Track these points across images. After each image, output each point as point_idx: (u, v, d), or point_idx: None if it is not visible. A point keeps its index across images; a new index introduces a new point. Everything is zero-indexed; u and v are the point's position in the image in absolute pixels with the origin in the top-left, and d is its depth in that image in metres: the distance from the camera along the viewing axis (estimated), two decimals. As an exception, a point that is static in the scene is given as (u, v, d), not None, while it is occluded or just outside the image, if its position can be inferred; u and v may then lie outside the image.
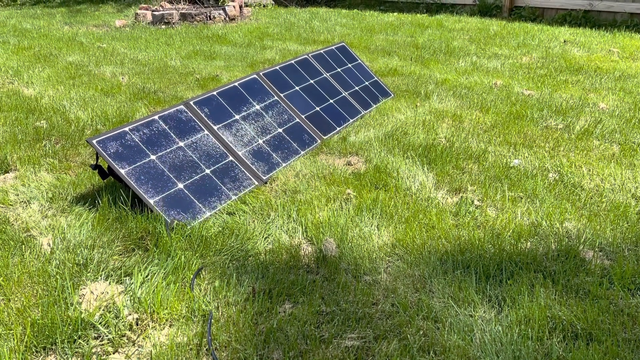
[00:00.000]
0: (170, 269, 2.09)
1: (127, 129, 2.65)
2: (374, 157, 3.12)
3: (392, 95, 4.36)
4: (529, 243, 2.27)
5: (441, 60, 5.66)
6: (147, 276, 2.04)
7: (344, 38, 6.92)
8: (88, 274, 2.06)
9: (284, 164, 3.05)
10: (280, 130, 3.26)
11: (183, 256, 2.15)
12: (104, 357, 1.71)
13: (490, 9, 8.79)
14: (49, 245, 2.26)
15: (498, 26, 7.55)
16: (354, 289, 1.99)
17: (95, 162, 2.60)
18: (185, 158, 2.71)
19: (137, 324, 1.84)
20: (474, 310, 1.87)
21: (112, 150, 2.52)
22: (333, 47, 4.31)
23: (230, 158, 2.88)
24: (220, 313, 1.88)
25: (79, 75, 5.18)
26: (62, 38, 7.09)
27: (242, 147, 2.98)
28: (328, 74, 3.99)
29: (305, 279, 2.05)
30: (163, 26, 8.08)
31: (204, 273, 2.11)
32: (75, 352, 1.72)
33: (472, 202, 2.62)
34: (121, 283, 2.04)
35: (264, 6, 10.18)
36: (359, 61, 4.42)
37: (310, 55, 4.03)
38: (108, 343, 1.76)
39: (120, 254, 2.23)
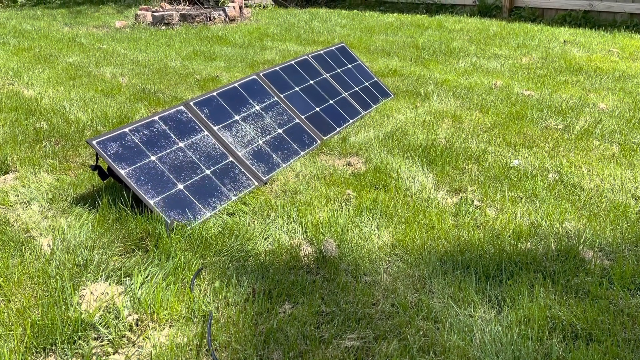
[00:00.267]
0: (170, 269, 2.09)
1: (127, 129, 2.65)
2: (373, 158, 3.12)
3: (392, 95, 4.36)
4: (528, 243, 2.27)
5: (441, 61, 5.66)
6: (147, 277, 2.04)
7: (343, 39, 6.92)
8: (88, 275, 2.06)
9: (284, 165, 3.05)
10: (280, 130, 3.26)
11: (183, 257, 2.15)
12: (104, 357, 1.71)
13: (490, 10, 8.79)
14: (49, 246, 2.27)
15: (498, 27, 7.55)
16: (353, 290, 1.99)
17: (95, 163, 2.60)
18: (185, 159, 2.72)
19: (137, 325, 1.84)
20: (473, 311, 1.88)
21: (112, 151, 2.52)
22: (333, 48, 4.31)
23: (230, 159, 2.88)
24: (220, 313, 1.89)
25: (79, 76, 5.19)
26: (62, 39, 7.10)
27: (242, 148, 2.98)
28: (328, 75, 3.99)
29: (305, 280, 2.05)
30: (163, 27, 8.08)
31: (204, 274, 2.12)
32: (75, 353, 1.72)
33: (472, 202, 2.62)
34: (121, 284, 2.04)
35: (263, 7, 10.19)
36: (359, 62, 4.42)
37: (310, 56, 4.04)
38: (108, 344, 1.76)
39: (120, 255, 2.23)
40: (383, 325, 1.81)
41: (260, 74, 3.53)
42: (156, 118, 2.80)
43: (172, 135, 2.78)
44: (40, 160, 3.14)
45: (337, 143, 3.36)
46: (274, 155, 3.07)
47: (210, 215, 2.52)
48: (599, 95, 4.35)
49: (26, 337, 1.73)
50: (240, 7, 8.96)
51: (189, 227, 2.37)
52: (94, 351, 1.73)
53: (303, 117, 3.47)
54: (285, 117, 3.37)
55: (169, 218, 2.41)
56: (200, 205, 2.54)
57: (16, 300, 1.92)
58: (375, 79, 4.39)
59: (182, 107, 2.95)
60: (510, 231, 2.34)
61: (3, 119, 3.86)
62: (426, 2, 9.57)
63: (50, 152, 3.26)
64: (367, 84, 4.24)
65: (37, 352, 1.72)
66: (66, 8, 10.37)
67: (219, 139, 2.94)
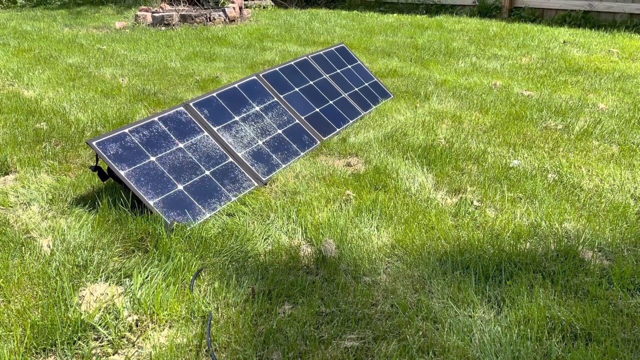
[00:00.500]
0: (170, 270, 2.09)
1: (126, 130, 2.66)
2: (373, 158, 3.13)
3: (392, 96, 4.36)
4: (528, 243, 2.27)
5: (441, 61, 5.66)
6: (146, 277, 2.05)
7: (343, 39, 6.93)
8: (88, 276, 2.07)
9: (283, 165, 3.05)
10: (279, 131, 3.26)
11: (183, 257, 2.16)
12: (104, 358, 1.71)
13: (489, 10, 8.79)
14: (49, 247, 2.27)
15: (498, 27, 7.55)
16: (353, 290, 2.00)
17: (95, 164, 2.60)
18: (185, 159, 2.72)
19: (136, 325, 1.84)
20: (473, 311, 1.88)
21: (111, 152, 2.52)
22: (333, 49, 4.32)
23: (230, 159, 2.88)
24: (219, 314, 1.89)
25: (79, 77, 5.19)
26: (62, 40, 7.10)
27: (241, 149, 2.98)
28: (328, 75, 4.00)
29: (304, 280, 2.06)
30: (163, 28, 8.09)
31: (203, 274, 2.12)
32: (75, 354, 1.72)
33: (472, 202, 2.62)
34: (121, 284, 2.05)
35: (263, 7, 10.19)
36: (359, 62, 4.42)
37: (309, 56, 4.04)
38: (108, 344, 1.76)
39: (120, 256, 2.23)
40: (382, 326, 1.81)
41: (260, 75, 3.53)
42: (156, 119, 2.81)
43: (172, 136, 2.78)
44: (40, 161, 3.14)
45: (336, 143, 3.36)
46: (273, 156, 3.07)
47: (210, 216, 2.53)
48: (598, 95, 4.35)
49: (26, 338, 1.73)
50: (240, 8, 8.96)
51: (188, 228, 2.37)
52: (93, 352, 1.73)
53: (303, 117, 3.47)
54: (285, 118, 3.37)
55: (169, 219, 2.41)
56: (200, 206, 2.55)
57: (16, 301, 1.92)
58: (375, 79, 4.39)
59: (182, 108, 2.95)
60: (510, 231, 2.34)
61: (3, 119, 3.87)
62: (426, 3, 9.58)
63: (50, 153, 3.27)
64: (366, 84, 4.24)
65: (37, 353, 1.72)
66: (66, 9, 10.38)
67: (218, 139, 2.94)
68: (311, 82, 3.81)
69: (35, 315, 1.83)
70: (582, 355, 1.66)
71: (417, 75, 5.07)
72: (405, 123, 3.72)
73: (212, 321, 1.84)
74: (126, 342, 1.78)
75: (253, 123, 3.18)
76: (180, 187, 2.58)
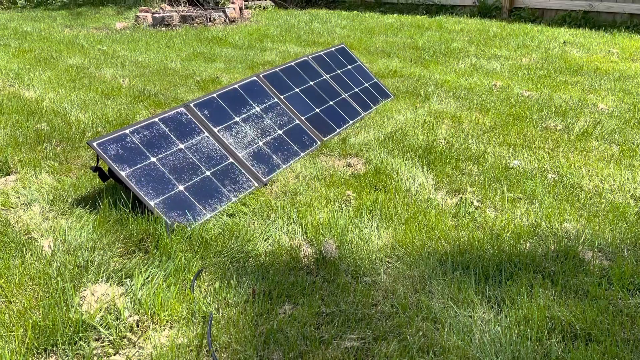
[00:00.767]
0: (170, 270, 2.10)
1: (127, 131, 2.66)
2: (373, 159, 3.13)
3: (392, 96, 4.37)
4: (528, 244, 2.27)
5: (441, 62, 5.67)
6: (147, 278, 2.05)
7: (343, 40, 6.93)
8: (89, 276, 2.07)
9: (284, 166, 3.06)
10: (280, 132, 3.26)
11: (183, 258, 2.16)
12: (105, 358, 1.72)
13: (489, 10, 8.80)
14: (50, 248, 2.27)
15: (498, 27, 7.56)
16: (353, 290, 2.00)
17: (95, 165, 2.61)
18: (186, 160, 2.72)
19: (137, 326, 1.84)
20: (473, 311, 1.88)
21: (112, 153, 2.53)
22: (333, 49, 4.32)
23: (231, 160, 2.89)
24: (220, 314, 1.89)
25: (79, 77, 5.20)
26: (62, 41, 7.11)
27: (242, 149, 2.98)
28: (328, 76, 4.00)
29: (305, 280, 2.06)
30: (163, 28, 8.10)
31: (204, 274, 2.12)
32: (76, 354, 1.73)
33: (472, 203, 2.62)
34: (122, 285, 2.05)
35: (264, 8, 10.20)
36: (359, 63, 4.43)
37: (310, 57, 4.05)
38: (109, 345, 1.77)
39: (121, 256, 2.23)
40: (383, 326, 1.82)
41: (261, 75, 3.54)
42: (156, 119, 2.81)
43: (172, 136, 2.78)
44: (41, 161, 3.15)
45: (337, 144, 3.37)
46: (274, 157, 3.07)
47: (211, 217, 2.53)
48: (598, 95, 4.36)
49: (27, 338, 1.74)
50: (240, 9, 8.97)
51: (189, 228, 2.37)
52: (94, 352, 1.73)
53: (303, 118, 3.48)
54: (285, 118, 3.38)
55: (170, 219, 2.42)
56: (200, 207, 2.55)
57: (17, 301, 1.92)
58: (375, 80, 4.40)
59: (182, 109, 2.95)
60: (510, 232, 2.34)
61: (4, 120, 3.87)
62: (426, 3, 9.58)
63: (51, 154, 3.27)
64: (367, 85, 4.25)
65: (38, 353, 1.73)
66: (66, 10, 10.39)
67: (219, 140, 2.94)
68: (311, 83, 3.81)
69: (37, 316, 1.84)
70: (582, 355, 1.66)
71: (417, 76, 5.07)
72: (405, 123, 3.73)
73: (212, 321, 1.84)
74: (127, 343, 1.78)
75: (253, 124, 3.19)
76: (180, 187, 2.59)
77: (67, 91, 4.69)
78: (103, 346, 1.76)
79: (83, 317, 1.82)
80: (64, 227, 2.41)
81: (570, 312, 1.85)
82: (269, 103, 3.39)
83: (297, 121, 3.42)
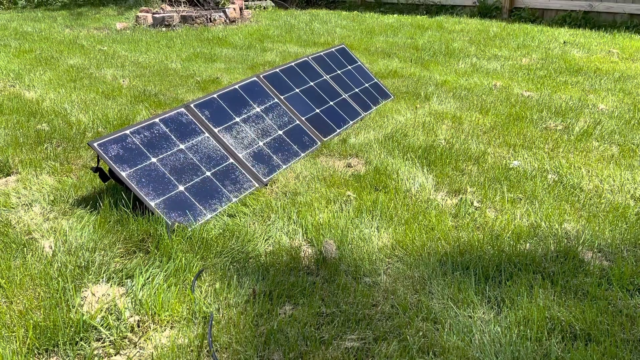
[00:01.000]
0: (171, 271, 2.10)
1: (128, 131, 2.67)
2: (373, 159, 3.13)
3: (392, 97, 4.37)
4: (528, 244, 2.28)
5: (441, 62, 5.67)
6: (148, 278, 2.06)
7: (344, 40, 6.94)
8: (90, 276, 2.08)
9: (284, 166, 3.06)
10: (280, 132, 3.27)
11: (184, 258, 2.17)
12: (106, 358, 1.72)
13: (490, 10, 8.80)
14: (51, 248, 2.28)
15: (498, 27, 7.56)
16: (353, 291, 2.00)
17: (96, 165, 2.61)
18: (186, 160, 2.73)
19: (138, 326, 1.85)
20: (473, 312, 1.88)
21: (113, 153, 2.53)
22: (333, 49, 4.33)
23: (231, 160, 2.89)
24: (221, 315, 1.90)
25: (80, 78, 5.20)
26: (63, 41, 7.12)
27: (242, 150, 2.99)
28: (328, 76, 4.01)
29: (305, 281, 2.06)
30: (164, 29, 8.10)
31: (204, 275, 2.13)
32: (77, 354, 1.73)
33: (472, 203, 2.63)
34: (122, 285, 2.06)
35: (264, 8, 10.20)
36: (359, 63, 4.43)
37: (310, 57, 4.05)
38: (109, 345, 1.77)
39: (122, 256, 2.24)
40: (383, 326, 1.82)
41: (261, 76, 3.54)
42: (157, 120, 2.82)
43: (172, 137, 2.79)
44: (41, 162, 3.15)
45: (337, 144, 3.37)
46: (274, 157, 3.08)
47: (211, 217, 2.54)
48: (598, 96, 4.36)
49: (28, 339, 1.74)
50: (241, 9, 8.98)
51: (189, 229, 2.38)
52: (95, 352, 1.74)
53: (303, 118, 3.48)
54: (286, 119, 3.38)
55: (170, 220, 2.42)
56: (201, 207, 2.56)
57: (18, 301, 1.93)
58: (375, 80, 4.40)
59: (182, 109, 2.96)
60: (510, 232, 2.35)
61: (4, 121, 3.88)
62: (426, 3, 9.59)
63: (52, 154, 3.28)
64: (367, 85, 4.25)
65: (39, 354, 1.73)
66: (67, 10, 10.39)
67: (219, 140, 2.95)
68: (312, 83, 3.82)
69: (38, 316, 1.84)
70: (582, 355, 1.66)
71: (418, 76, 5.08)
72: (405, 124, 3.73)
73: (213, 322, 1.85)
74: (128, 343, 1.79)
75: (254, 124, 3.19)
76: (181, 188, 2.59)
77: (67, 91, 4.70)
78: (104, 346, 1.77)
79: (84, 318, 1.83)
80: (65, 228, 2.41)
81: (570, 313, 1.85)
82: (269, 103, 3.40)
83: (297, 121, 3.43)
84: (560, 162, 3.07)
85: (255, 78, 3.50)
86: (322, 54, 4.18)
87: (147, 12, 8.66)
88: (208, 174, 2.74)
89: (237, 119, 3.14)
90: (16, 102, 4.32)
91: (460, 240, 2.30)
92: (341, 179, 2.90)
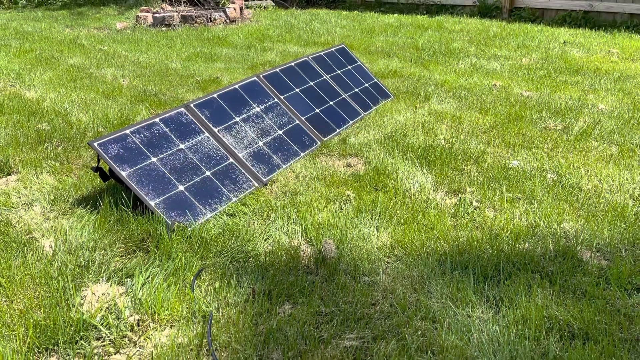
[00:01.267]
0: (171, 270, 2.11)
1: (128, 131, 2.67)
2: (373, 159, 3.14)
3: (392, 96, 4.38)
4: (526, 244, 2.28)
5: (441, 62, 5.68)
6: (148, 277, 2.06)
7: (344, 40, 6.94)
8: (90, 276, 2.08)
9: (284, 166, 3.07)
10: (280, 132, 3.28)
11: (184, 257, 2.17)
12: (106, 357, 1.73)
13: (490, 10, 8.80)
14: (51, 247, 2.28)
15: (498, 27, 7.56)
16: (353, 290, 2.01)
17: (96, 165, 2.62)
18: (186, 160, 2.74)
19: (138, 325, 1.86)
20: (471, 311, 1.89)
21: (113, 153, 2.54)
22: (333, 49, 4.33)
23: (231, 160, 2.90)
24: (220, 314, 1.90)
25: (80, 77, 5.21)
26: (63, 41, 7.13)
27: (242, 149, 3.00)
28: (328, 76, 4.01)
29: (304, 280, 2.07)
30: (164, 28, 8.11)
31: (204, 274, 2.13)
32: (77, 353, 1.74)
33: (471, 203, 2.63)
34: (122, 284, 2.06)
35: (264, 8, 10.21)
36: (359, 63, 4.44)
37: (310, 57, 4.05)
38: (109, 344, 1.78)
39: (122, 256, 2.25)
40: (382, 325, 1.83)
41: (261, 76, 3.55)
42: (157, 120, 2.82)
43: (172, 136, 2.80)
44: (42, 161, 3.16)
45: (336, 144, 3.38)
46: (274, 157, 3.08)
47: (211, 216, 2.54)
48: (598, 95, 4.36)
49: (28, 338, 1.75)
50: (241, 8, 8.98)
51: (189, 228, 2.39)
52: (95, 351, 1.74)
53: (303, 118, 3.49)
54: (286, 119, 3.39)
55: (170, 219, 2.43)
56: (200, 207, 2.56)
57: (18, 300, 1.94)
58: (375, 80, 4.41)
59: (182, 109, 2.97)
60: (509, 232, 2.35)
61: (5, 120, 3.89)
62: (426, 3, 9.59)
63: (52, 154, 3.28)
64: (367, 85, 4.26)
65: (39, 353, 1.74)
66: (67, 10, 10.40)
67: (219, 140, 2.95)
68: (311, 83, 3.82)
69: (38, 315, 1.85)
70: (580, 354, 1.67)
71: (417, 76, 5.08)
72: (405, 124, 3.74)
73: (212, 321, 1.85)
74: (128, 342, 1.80)
75: (253, 124, 3.20)
76: (181, 187, 2.60)
77: (68, 91, 4.71)
78: (104, 345, 1.78)
79: (84, 317, 1.83)
80: (65, 227, 2.42)
81: (568, 312, 1.86)
82: (269, 103, 3.40)
83: (297, 121, 3.43)
84: (559, 161, 3.07)
85: (255, 78, 3.51)
86: (322, 53, 4.19)
87: (148, 11, 8.66)
88: (208, 173, 2.75)
89: (237, 119, 3.15)
90: (16, 102, 4.33)
91: (459, 239, 2.31)
92: (341, 179, 2.90)
